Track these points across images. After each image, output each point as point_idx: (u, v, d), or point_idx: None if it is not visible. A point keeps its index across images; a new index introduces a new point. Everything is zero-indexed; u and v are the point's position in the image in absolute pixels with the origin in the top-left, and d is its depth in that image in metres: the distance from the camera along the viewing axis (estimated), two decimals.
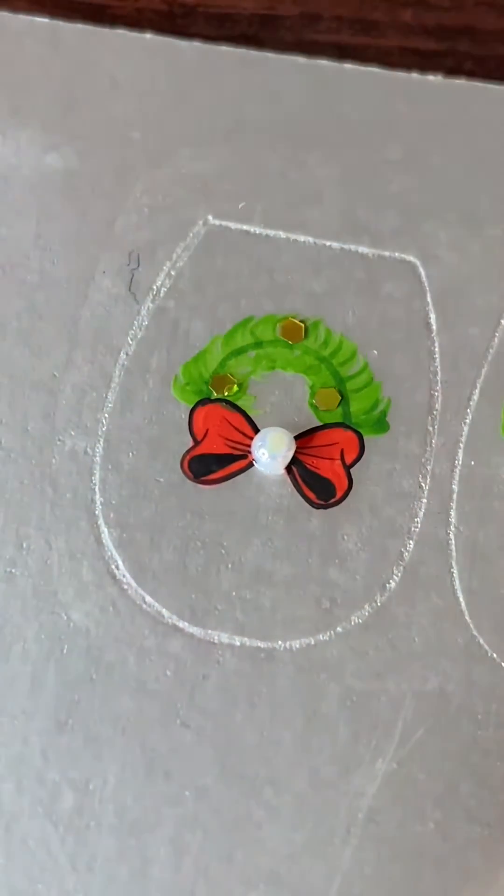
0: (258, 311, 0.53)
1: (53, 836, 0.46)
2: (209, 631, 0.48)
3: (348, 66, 0.57)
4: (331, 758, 0.46)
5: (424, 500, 0.50)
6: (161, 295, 0.53)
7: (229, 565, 0.49)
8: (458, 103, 0.56)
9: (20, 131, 0.56)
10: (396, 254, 0.54)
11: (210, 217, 0.55)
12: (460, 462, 0.50)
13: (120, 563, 0.49)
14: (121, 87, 0.57)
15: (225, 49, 0.58)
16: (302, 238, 0.54)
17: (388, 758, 0.46)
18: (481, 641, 0.48)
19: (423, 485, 0.50)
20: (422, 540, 0.49)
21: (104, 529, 0.50)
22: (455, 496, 0.50)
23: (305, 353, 0.52)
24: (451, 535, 0.49)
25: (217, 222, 0.55)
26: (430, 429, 0.51)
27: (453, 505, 0.50)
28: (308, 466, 0.50)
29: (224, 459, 0.50)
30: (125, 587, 0.49)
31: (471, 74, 0.58)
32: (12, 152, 0.56)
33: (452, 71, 0.58)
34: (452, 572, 0.49)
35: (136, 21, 0.59)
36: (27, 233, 0.55)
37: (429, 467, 0.50)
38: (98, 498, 0.50)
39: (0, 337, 0.53)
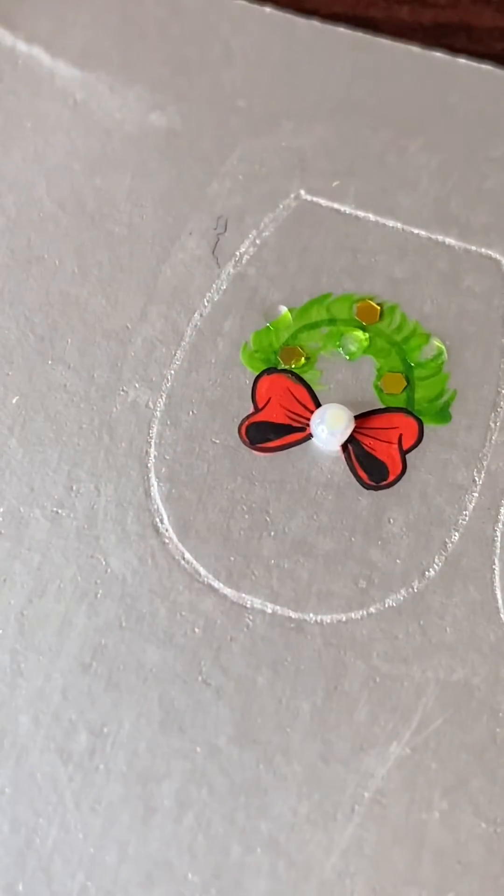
0: (337, 289, 0.53)
1: (62, 773, 0.46)
2: (243, 594, 0.48)
3: (462, 60, 0.57)
4: (345, 734, 0.46)
5: (476, 494, 0.49)
6: (243, 262, 0.54)
7: (272, 533, 0.49)
8: None
9: (128, 87, 0.57)
10: (482, 249, 0.54)
11: (302, 191, 0.55)
12: None
13: (165, 517, 0.49)
14: (233, 56, 0.58)
15: (341, 30, 0.58)
16: (391, 223, 0.54)
17: (403, 742, 0.46)
18: None
19: (476, 479, 0.50)
20: (467, 533, 0.49)
21: (154, 483, 0.50)
22: None
23: (377, 335, 0.52)
24: (498, 533, 0.49)
25: (309, 197, 0.55)
26: (492, 425, 0.50)
27: None
28: (364, 447, 0.50)
29: (282, 429, 0.51)
30: (166, 541, 0.49)
31: None
32: (118, 107, 0.57)
33: None
34: (494, 569, 0.48)
35: None
36: (121, 186, 0.55)
37: (485, 462, 0.50)
38: (153, 451, 0.50)
39: (80, 284, 0.53)
